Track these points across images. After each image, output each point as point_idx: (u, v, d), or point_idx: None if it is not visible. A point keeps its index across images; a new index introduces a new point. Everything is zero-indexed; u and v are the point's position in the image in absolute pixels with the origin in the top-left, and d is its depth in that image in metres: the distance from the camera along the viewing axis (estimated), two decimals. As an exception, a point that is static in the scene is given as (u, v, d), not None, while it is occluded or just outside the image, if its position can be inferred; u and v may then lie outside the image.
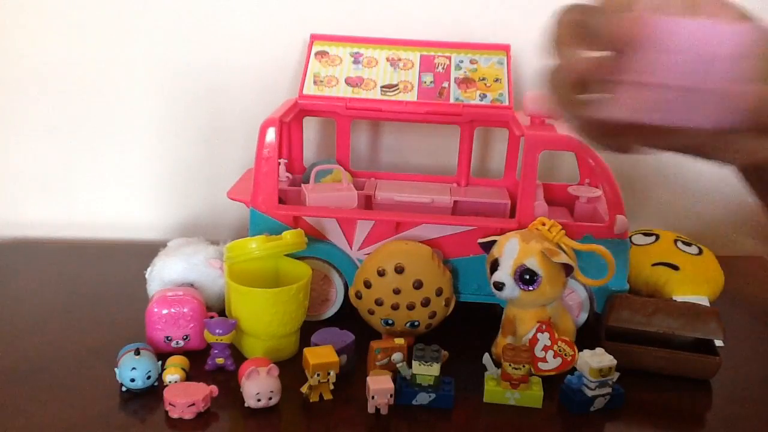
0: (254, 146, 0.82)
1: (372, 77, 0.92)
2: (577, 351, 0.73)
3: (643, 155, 0.42)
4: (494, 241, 0.77)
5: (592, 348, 0.72)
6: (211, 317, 0.77)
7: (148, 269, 0.85)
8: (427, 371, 0.70)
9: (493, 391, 0.71)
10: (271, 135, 0.81)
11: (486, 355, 0.73)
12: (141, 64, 1.03)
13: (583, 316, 0.84)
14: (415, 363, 0.70)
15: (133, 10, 1.00)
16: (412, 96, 0.90)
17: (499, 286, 0.75)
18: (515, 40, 0.97)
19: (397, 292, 0.78)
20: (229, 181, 0.93)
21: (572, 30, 0.38)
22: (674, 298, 0.88)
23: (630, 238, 0.91)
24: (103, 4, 1.00)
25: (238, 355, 0.77)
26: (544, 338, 0.74)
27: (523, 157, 0.80)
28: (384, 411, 0.69)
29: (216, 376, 0.74)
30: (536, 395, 0.71)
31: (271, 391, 0.68)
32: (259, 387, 0.68)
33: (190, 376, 0.73)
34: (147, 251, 0.88)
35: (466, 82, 0.92)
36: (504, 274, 0.74)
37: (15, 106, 1.05)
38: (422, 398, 0.71)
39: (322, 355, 0.70)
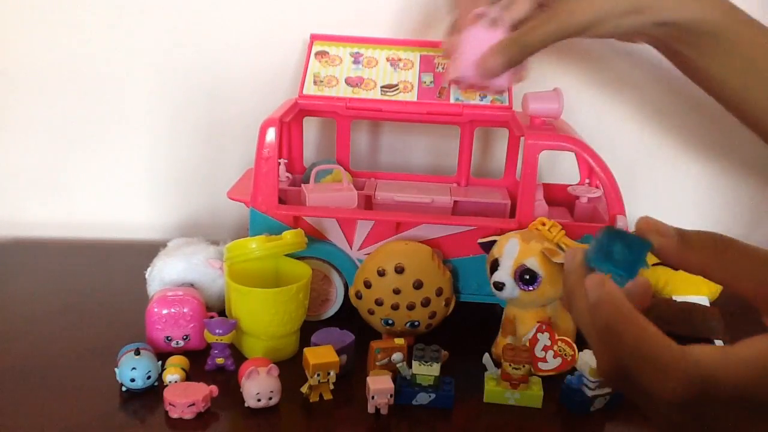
0: (254, 146, 0.82)
1: (372, 77, 0.92)
2: (577, 351, 0.73)
3: None
4: (494, 241, 0.77)
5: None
6: (211, 317, 0.77)
7: (148, 269, 0.85)
8: (427, 371, 0.70)
9: (493, 391, 0.71)
10: (271, 135, 0.81)
11: (486, 355, 0.73)
12: (140, 64, 1.03)
13: (583, 316, 0.84)
14: (415, 363, 0.70)
15: (132, 10, 1.00)
16: (412, 96, 0.90)
17: (499, 286, 0.75)
18: (515, 40, 0.97)
19: (397, 292, 0.78)
20: (229, 181, 0.93)
21: None
22: (674, 298, 0.88)
23: (630, 238, 0.91)
24: (103, 4, 1.00)
25: (238, 355, 0.77)
26: (544, 338, 0.74)
27: (523, 157, 0.80)
28: (384, 411, 0.69)
29: (216, 376, 0.74)
30: (536, 395, 0.71)
31: (271, 391, 0.68)
32: (259, 387, 0.68)
33: (190, 376, 0.73)
34: (147, 251, 0.88)
35: (466, 82, 0.92)
36: (504, 274, 0.74)
37: (15, 105, 1.05)
38: (422, 398, 0.71)
39: (322, 355, 0.70)
